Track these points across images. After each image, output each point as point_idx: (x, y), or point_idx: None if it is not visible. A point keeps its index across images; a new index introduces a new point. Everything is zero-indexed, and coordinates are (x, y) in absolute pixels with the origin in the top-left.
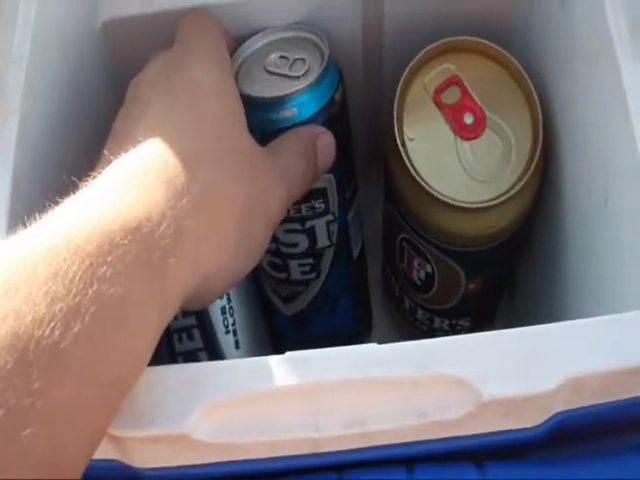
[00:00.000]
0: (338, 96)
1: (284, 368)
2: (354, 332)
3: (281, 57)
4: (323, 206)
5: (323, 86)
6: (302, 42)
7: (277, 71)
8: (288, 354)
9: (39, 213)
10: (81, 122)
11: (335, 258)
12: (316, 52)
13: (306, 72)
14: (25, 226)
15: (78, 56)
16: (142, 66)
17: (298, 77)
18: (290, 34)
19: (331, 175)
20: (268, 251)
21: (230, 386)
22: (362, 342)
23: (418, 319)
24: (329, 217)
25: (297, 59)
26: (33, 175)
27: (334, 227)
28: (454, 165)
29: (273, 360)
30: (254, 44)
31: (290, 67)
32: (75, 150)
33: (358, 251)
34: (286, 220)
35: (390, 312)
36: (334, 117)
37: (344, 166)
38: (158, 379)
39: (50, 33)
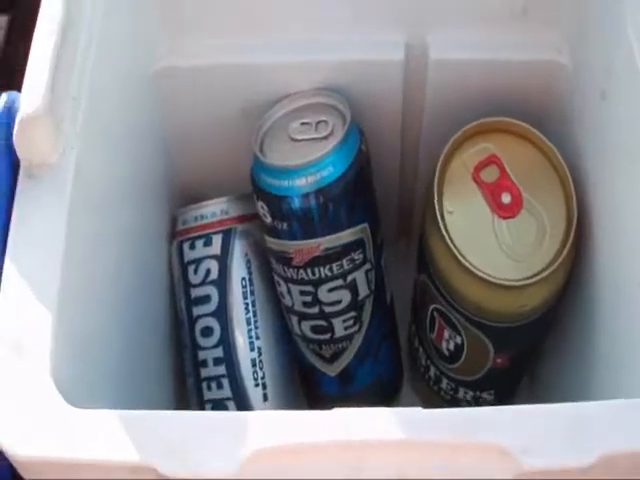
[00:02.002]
0: (364, 147)
1: (331, 423)
2: (395, 378)
3: (302, 124)
4: (362, 256)
5: (351, 139)
6: (319, 106)
7: (303, 137)
8: (336, 410)
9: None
10: (129, 166)
11: (374, 306)
12: (334, 111)
13: (332, 131)
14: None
15: (132, 102)
16: (190, 117)
17: (326, 137)
18: (307, 101)
19: (366, 224)
20: (309, 317)
21: (278, 436)
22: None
23: (442, 388)
24: (367, 266)
25: (320, 122)
26: (85, 210)
27: (372, 275)
28: (490, 242)
29: (321, 414)
30: (275, 114)
31: (315, 130)
32: (122, 192)
33: (390, 295)
34: (329, 279)
35: (415, 380)
36: (364, 167)
37: (375, 213)
38: (209, 424)
39: (106, 76)
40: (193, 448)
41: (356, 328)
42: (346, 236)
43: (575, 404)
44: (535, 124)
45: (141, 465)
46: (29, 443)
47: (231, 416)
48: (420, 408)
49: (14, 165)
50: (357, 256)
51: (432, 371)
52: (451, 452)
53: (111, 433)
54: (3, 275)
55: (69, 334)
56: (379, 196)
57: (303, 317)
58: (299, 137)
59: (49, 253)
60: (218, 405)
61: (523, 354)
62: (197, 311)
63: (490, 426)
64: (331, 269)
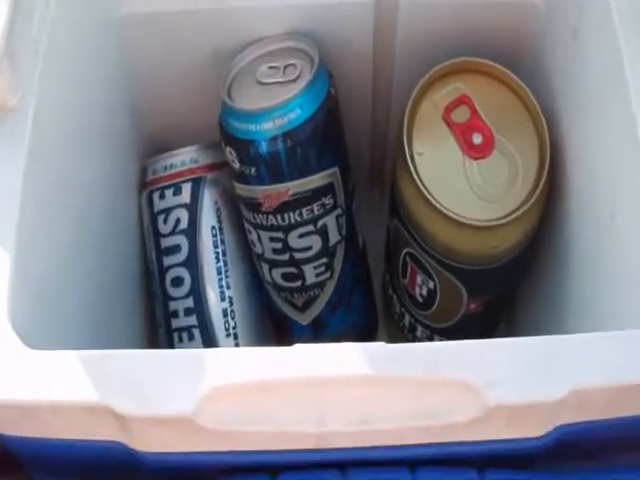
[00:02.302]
0: (332, 90)
1: (293, 360)
2: (369, 325)
3: (270, 67)
4: (332, 201)
5: (319, 82)
6: (288, 50)
7: (271, 81)
8: (297, 346)
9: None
10: (92, 112)
11: (346, 252)
12: (302, 55)
13: (300, 74)
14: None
15: (94, 47)
16: (156, 63)
17: (294, 80)
18: (275, 45)
19: (336, 168)
20: (280, 264)
21: (237, 373)
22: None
23: (417, 336)
24: (338, 211)
25: (288, 65)
26: (46, 156)
27: (343, 221)
28: (461, 183)
29: (282, 351)
30: (243, 59)
31: (283, 73)
32: (85, 138)
33: (362, 242)
34: (299, 224)
35: (389, 328)
36: (333, 111)
37: (345, 158)
38: (168, 362)
39: (67, 21)
40: (151, 386)
41: (327, 275)
42: (315, 180)
43: (544, 337)
44: (508, 65)
45: (98, 404)
46: None
47: (189, 354)
48: (384, 343)
49: None
50: (327, 201)
51: (407, 319)
52: (415, 387)
53: (68, 373)
54: None
55: (28, 279)
56: (351, 141)
57: (274, 265)
58: (267, 81)
59: (6, 197)
60: None
61: (497, 299)
62: (167, 261)
63: (454, 360)
64: (301, 214)
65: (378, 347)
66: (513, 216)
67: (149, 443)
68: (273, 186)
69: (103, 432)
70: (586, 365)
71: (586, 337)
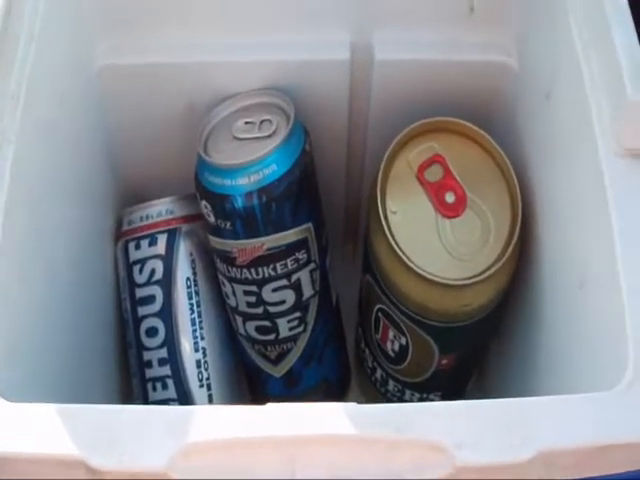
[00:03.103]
0: (308, 147)
1: (265, 418)
2: (342, 379)
3: (246, 123)
4: (306, 256)
5: (294, 139)
6: (264, 106)
7: (247, 136)
8: (270, 405)
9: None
10: (70, 162)
11: (319, 306)
12: (278, 111)
13: (276, 130)
14: None
15: (73, 98)
16: (134, 115)
17: (270, 136)
18: (251, 101)
19: (310, 224)
20: (253, 317)
21: (211, 431)
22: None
23: (389, 390)
24: (312, 266)
25: (263, 121)
26: (23, 206)
27: (316, 275)
28: (434, 241)
29: (255, 410)
30: (219, 114)
31: (259, 129)
32: (62, 188)
33: (335, 297)
34: (272, 279)
35: (362, 383)
36: (308, 166)
37: (319, 214)
38: (143, 418)
39: (47, 74)
40: (124, 442)
41: (301, 329)
42: (290, 236)
43: (512, 399)
44: (481, 124)
45: (71, 458)
46: None
47: (163, 410)
48: (355, 403)
49: None
50: (301, 256)
51: (379, 373)
52: (385, 448)
53: (42, 427)
54: None
55: (2, 331)
56: (325, 197)
57: (248, 317)
58: (243, 136)
59: None
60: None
61: (468, 354)
62: (142, 311)
63: (425, 422)
64: (275, 269)
65: (349, 407)
66: (485, 275)
67: None
68: (248, 240)
69: None
70: (554, 427)
71: (554, 399)
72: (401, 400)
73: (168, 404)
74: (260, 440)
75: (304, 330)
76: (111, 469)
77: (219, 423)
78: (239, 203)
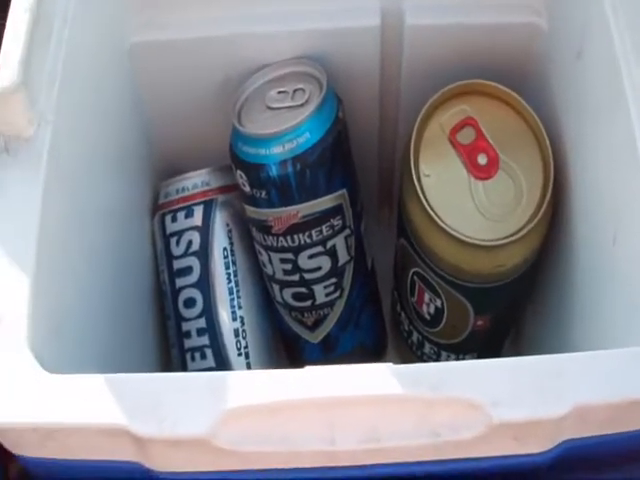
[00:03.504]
0: (341, 114)
1: (304, 381)
2: (378, 343)
3: (279, 92)
4: (341, 222)
5: (327, 107)
6: (296, 75)
7: (280, 105)
8: (308, 368)
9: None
10: (107, 139)
11: (355, 272)
12: (311, 79)
13: (308, 98)
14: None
15: (108, 76)
16: (168, 89)
17: (303, 105)
18: (284, 70)
19: (344, 190)
20: (290, 284)
21: (251, 396)
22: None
23: (425, 353)
24: (347, 232)
25: (296, 90)
26: (63, 184)
27: (351, 241)
28: (467, 203)
29: (294, 373)
30: (252, 85)
31: (292, 98)
32: (100, 165)
33: (371, 262)
34: (308, 246)
35: (398, 346)
36: (341, 134)
37: (354, 180)
38: (183, 385)
39: (81, 52)
40: (166, 409)
41: (337, 294)
42: (324, 202)
43: (546, 356)
44: (513, 86)
45: (115, 427)
46: (5, 410)
47: (203, 377)
48: (391, 364)
49: None
50: (336, 222)
51: (415, 336)
52: (422, 406)
53: (86, 397)
54: None
55: (46, 306)
56: (359, 163)
57: (284, 285)
58: (276, 105)
59: (25, 227)
60: None
61: (503, 315)
62: (180, 282)
63: (460, 380)
64: (310, 236)
65: (385, 368)
66: (518, 235)
67: (166, 464)
68: (283, 209)
69: (121, 453)
70: (588, 382)
71: (588, 355)
72: (437, 362)
73: None
74: (300, 402)
75: (340, 296)
76: (153, 436)
77: (258, 388)
78: (274, 172)
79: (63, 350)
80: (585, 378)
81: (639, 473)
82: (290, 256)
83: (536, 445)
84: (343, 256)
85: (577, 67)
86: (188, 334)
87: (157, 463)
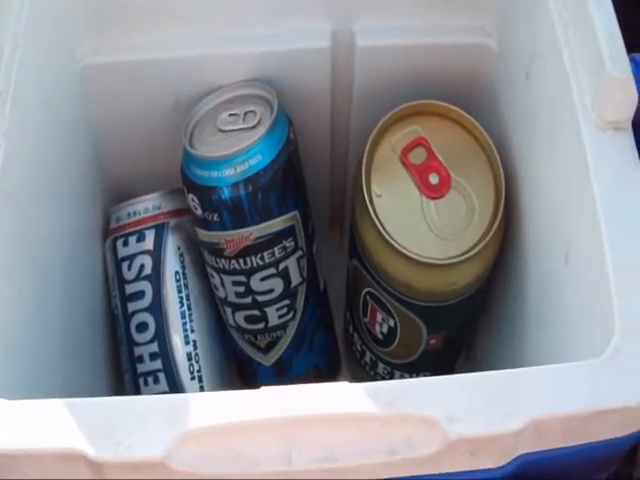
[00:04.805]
0: (292, 135)
1: (259, 402)
2: (332, 364)
3: (230, 115)
4: (293, 244)
5: (279, 128)
6: (247, 98)
7: (231, 128)
8: (263, 389)
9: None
10: (57, 161)
11: (307, 293)
12: (262, 102)
13: (260, 121)
14: None
15: (58, 97)
16: (119, 112)
17: (254, 127)
18: (235, 93)
19: (296, 212)
20: (243, 307)
21: (207, 417)
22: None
23: (379, 373)
24: (299, 253)
25: (247, 112)
26: (11, 207)
27: (304, 262)
28: (419, 222)
29: (249, 394)
30: (203, 107)
31: (243, 120)
32: (49, 187)
33: (323, 283)
34: (261, 268)
35: (352, 367)
36: (293, 155)
37: (305, 202)
38: (138, 408)
39: (32, 74)
40: (121, 432)
41: (290, 316)
42: (277, 224)
43: (501, 371)
44: (463, 106)
45: (70, 452)
46: None
47: (158, 400)
48: (346, 382)
49: None
50: (288, 244)
51: (368, 356)
52: (378, 424)
53: (39, 422)
54: None
55: None
56: (310, 184)
57: (237, 308)
58: (227, 128)
59: None
60: None
61: (456, 333)
62: (132, 307)
63: (415, 397)
64: (262, 258)
65: (340, 387)
66: (471, 253)
67: None
68: (235, 231)
69: (77, 477)
70: (543, 396)
71: (541, 369)
72: None
73: None
74: (256, 423)
75: (293, 317)
76: (109, 460)
77: (214, 409)
78: (226, 194)
79: (13, 374)
80: (540, 392)
81: None
82: (242, 279)
83: (493, 460)
84: (295, 278)
85: (526, 87)
86: (141, 359)
87: None
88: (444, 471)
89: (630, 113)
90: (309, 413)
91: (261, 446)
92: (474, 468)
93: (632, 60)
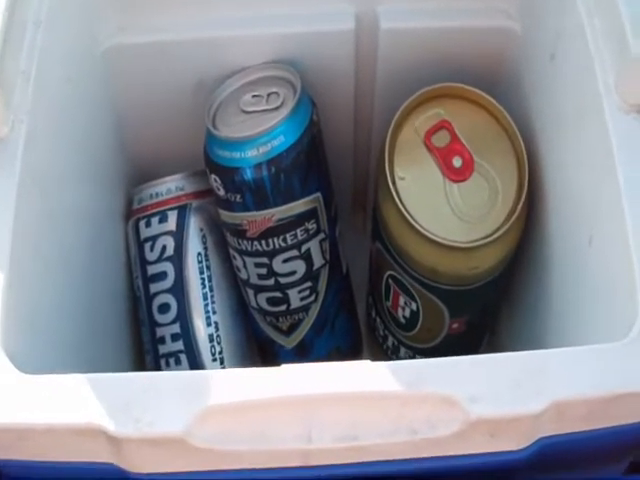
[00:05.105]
0: (315, 117)
1: (280, 380)
2: (354, 348)
3: (254, 96)
4: (315, 226)
5: (301, 110)
6: (270, 79)
7: (254, 109)
8: (284, 366)
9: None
10: (80, 142)
11: (330, 276)
12: (285, 83)
13: (283, 102)
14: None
15: (81, 78)
16: (142, 93)
17: (277, 108)
18: (258, 74)
19: (319, 194)
20: (265, 289)
21: (227, 394)
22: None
23: (401, 357)
24: (321, 236)
25: (271, 93)
26: (36, 185)
27: (326, 245)
28: (442, 205)
29: (270, 371)
30: (226, 89)
31: (266, 102)
32: (73, 168)
33: (346, 266)
34: (283, 250)
35: (374, 351)
36: (316, 137)
37: (328, 184)
38: (158, 384)
39: (55, 54)
40: (142, 408)
41: (312, 299)
42: (299, 206)
43: (523, 352)
44: (487, 89)
45: (90, 426)
46: None
47: (178, 376)
48: (368, 361)
49: None
50: (311, 226)
51: (390, 340)
52: (399, 403)
53: (60, 397)
54: None
55: (20, 306)
56: (333, 167)
57: (259, 289)
58: (250, 109)
59: None
60: None
61: (478, 318)
62: (154, 288)
63: (437, 377)
64: (285, 239)
65: (362, 365)
66: (493, 237)
67: (141, 464)
68: (258, 212)
69: (96, 454)
70: (566, 378)
71: (565, 351)
72: None
73: None
74: (275, 400)
75: (315, 300)
76: (128, 435)
77: (234, 386)
78: (248, 175)
79: (37, 350)
80: (562, 374)
81: (616, 471)
82: (265, 260)
83: (513, 442)
84: (318, 260)
85: (551, 69)
86: (162, 340)
87: (132, 464)
88: (465, 452)
89: None
90: (329, 391)
91: (281, 424)
92: (495, 450)
93: None
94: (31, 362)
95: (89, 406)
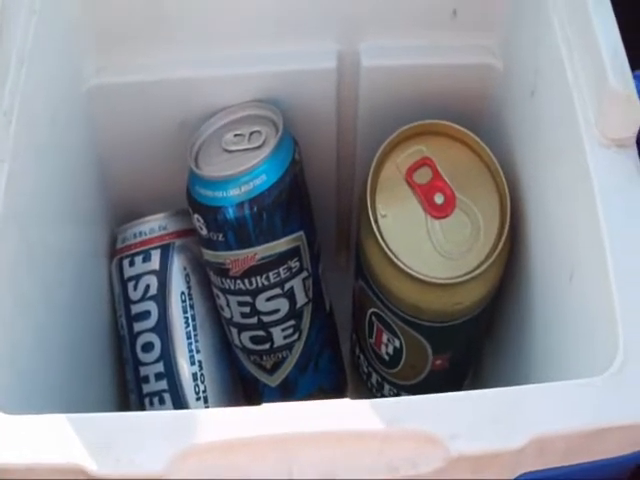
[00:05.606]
0: (297, 155)
1: (261, 418)
2: (338, 386)
3: (236, 135)
4: (298, 264)
5: (284, 149)
6: (253, 118)
7: (237, 148)
8: (265, 405)
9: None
10: (63, 181)
11: (313, 314)
12: (267, 122)
13: (265, 141)
14: None
15: (64, 118)
16: (125, 133)
17: (260, 147)
18: (240, 113)
19: (302, 232)
20: (248, 327)
21: (207, 433)
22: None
23: (385, 395)
24: (304, 274)
25: (253, 132)
26: (16, 224)
27: (309, 283)
28: (424, 242)
29: (251, 410)
30: (209, 128)
31: (248, 141)
32: (55, 207)
33: (329, 304)
34: (266, 288)
35: (358, 388)
36: (298, 175)
37: (311, 222)
38: (139, 424)
39: (38, 93)
40: (123, 448)
41: (295, 337)
42: (282, 245)
43: (503, 389)
44: (469, 126)
45: (70, 466)
46: None
47: (158, 415)
48: (348, 399)
49: None
50: (294, 264)
51: (374, 378)
52: (379, 441)
53: (41, 437)
54: None
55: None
56: (316, 205)
57: (242, 328)
58: (233, 148)
59: None
60: None
61: (462, 354)
62: (138, 327)
63: (417, 414)
64: (268, 278)
65: (342, 403)
66: (476, 273)
67: None
68: (240, 251)
69: None
70: (545, 414)
71: (543, 387)
72: None
73: None
74: (255, 440)
75: (299, 338)
76: (108, 474)
77: (214, 425)
78: (230, 214)
79: (18, 390)
80: (542, 409)
81: None
82: (248, 299)
83: (495, 478)
84: (301, 298)
85: (531, 105)
86: (146, 379)
87: None
88: None
89: (634, 130)
90: (310, 430)
91: (262, 462)
92: None
93: (636, 77)
94: (12, 401)
95: (70, 446)
